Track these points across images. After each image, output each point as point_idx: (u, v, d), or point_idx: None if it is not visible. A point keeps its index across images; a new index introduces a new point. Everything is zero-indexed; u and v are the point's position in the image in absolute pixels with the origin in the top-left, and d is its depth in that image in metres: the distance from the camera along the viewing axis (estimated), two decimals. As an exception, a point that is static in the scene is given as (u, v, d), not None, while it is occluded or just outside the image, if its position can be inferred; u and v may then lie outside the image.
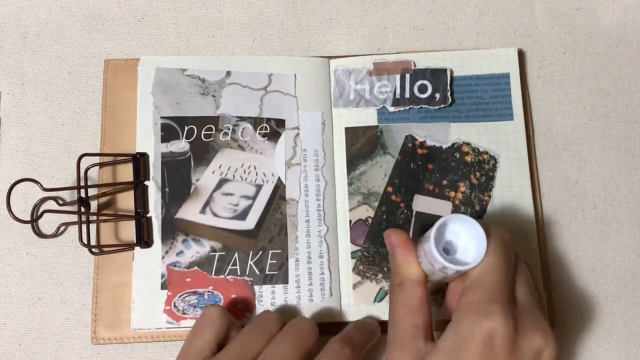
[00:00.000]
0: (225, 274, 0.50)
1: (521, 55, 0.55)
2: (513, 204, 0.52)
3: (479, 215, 0.51)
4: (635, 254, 0.52)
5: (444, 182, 0.52)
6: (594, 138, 0.54)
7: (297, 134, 0.53)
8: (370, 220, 0.51)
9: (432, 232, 0.39)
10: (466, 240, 0.40)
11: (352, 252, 0.51)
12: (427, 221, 0.51)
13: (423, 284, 0.42)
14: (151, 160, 0.51)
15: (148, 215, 0.51)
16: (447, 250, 0.41)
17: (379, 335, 0.47)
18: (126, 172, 0.52)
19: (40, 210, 0.50)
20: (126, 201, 0.52)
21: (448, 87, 0.53)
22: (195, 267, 0.50)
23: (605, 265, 0.52)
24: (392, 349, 0.41)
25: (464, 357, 0.37)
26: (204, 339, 0.42)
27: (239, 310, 0.49)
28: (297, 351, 0.42)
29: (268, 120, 0.53)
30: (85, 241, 0.49)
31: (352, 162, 0.52)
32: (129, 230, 0.51)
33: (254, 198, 0.51)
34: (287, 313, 0.49)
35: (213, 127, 0.52)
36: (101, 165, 0.52)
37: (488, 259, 0.39)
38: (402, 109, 0.53)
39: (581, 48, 0.56)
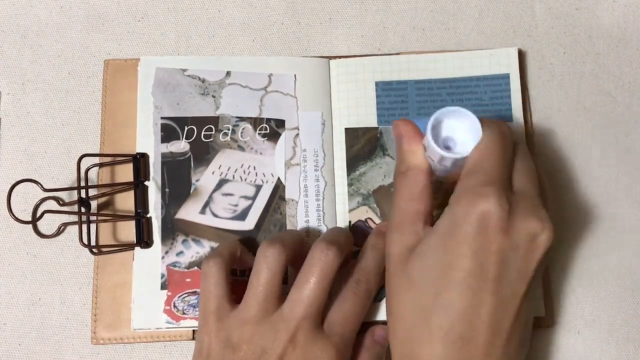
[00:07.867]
0: (225, 274, 0.50)
1: (521, 55, 0.55)
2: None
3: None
4: (635, 254, 0.52)
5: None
6: (594, 138, 0.54)
7: (297, 135, 0.53)
8: (369, 222, 0.51)
9: (429, 123, 0.41)
10: (464, 134, 0.41)
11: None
12: None
13: (427, 173, 0.43)
14: (151, 160, 0.51)
15: (148, 216, 0.51)
16: (448, 148, 0.42)
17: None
18: (126, 173, 0.52)
19: (41, 210, 0.51)
20: (126, 201, 0.52)
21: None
22: (195, 268, 0.50)
23: (605, 265, 0.52)
24: (392, 231, 0.43)
25: (459, 237, 0.38)
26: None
27: (239, 311, 0.49)
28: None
29: (268, 120, 0.53)
30: (85, 241, 0.49)
31: (352, 163, 0.52)
32: (129, 231, 0.51)
33: (253, 198, 0.51)
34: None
35: (213, 128, 0.52)
36: (101, 165, 0.52)
37: (482, 145, 0.40)
38: (402, 109, 0.53)
39: (581, 48, 0.56)
